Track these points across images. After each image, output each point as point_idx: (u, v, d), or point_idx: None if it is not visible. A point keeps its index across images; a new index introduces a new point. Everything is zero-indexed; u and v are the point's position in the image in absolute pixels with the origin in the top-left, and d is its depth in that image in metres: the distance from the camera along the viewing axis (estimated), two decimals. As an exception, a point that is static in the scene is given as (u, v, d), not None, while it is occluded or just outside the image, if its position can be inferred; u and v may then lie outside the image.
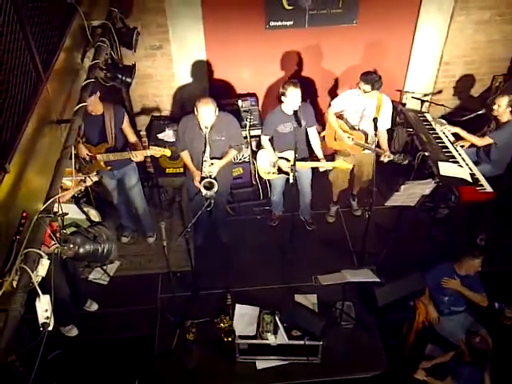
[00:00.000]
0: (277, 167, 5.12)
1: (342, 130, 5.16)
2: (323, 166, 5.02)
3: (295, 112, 4.67)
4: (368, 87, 4.79)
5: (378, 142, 4.90)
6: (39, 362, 2.49)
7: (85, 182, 4.36)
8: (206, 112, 4.42)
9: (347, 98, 5.09)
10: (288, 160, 5.00)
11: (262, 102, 6.15)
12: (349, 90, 5.13)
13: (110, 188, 5.16)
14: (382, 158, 4.94)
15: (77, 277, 4.80)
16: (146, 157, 5.21)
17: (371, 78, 4.77)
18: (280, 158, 5.06)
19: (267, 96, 6.22)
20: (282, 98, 4.76)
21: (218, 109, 4.52)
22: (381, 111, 4.93)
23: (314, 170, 5.26)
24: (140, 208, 5.36)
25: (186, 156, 4.88)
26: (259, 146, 5.68)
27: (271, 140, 5.10)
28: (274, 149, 5.10)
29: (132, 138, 4.89)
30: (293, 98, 4.68)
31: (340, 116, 5.22)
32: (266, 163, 5.19)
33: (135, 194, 5.22)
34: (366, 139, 5.10)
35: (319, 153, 5.07)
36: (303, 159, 5.06)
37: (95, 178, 4.42)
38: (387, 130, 5.18)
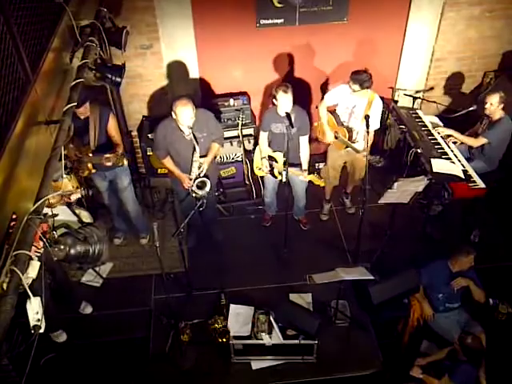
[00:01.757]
0: (267, 165, 5.12)
1: (329, 125, 5.19)
2: (299, 174, 4.96)
3: (287, 114, 4.66)
4: (356, 86, 4.80)
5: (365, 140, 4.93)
6: (32, 366, 2.46)
7: (69, 197, 4.33)
8: (187, 113, 4.36)
9: (340, 93, 5.09)
10: (276, 161, 5.01)
11: (254, 100, 6.13)
12: (342, 85, 5.10)
13: (101, 189, 5.14)
14: (358, 155, 5.08)
15: (67, 281, 4.76)
16: (137, 157, 5.20)
17: (360, 78, 4.77)
18: (270, 156, 5.06)
19: (259, 95, 6.20)
20: (274, 100, 4.76)
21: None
22: (370, 110, 4.91)
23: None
24: (132, 209, 5.32)
25: (169, 162, 4.82)
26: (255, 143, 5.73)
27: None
28: (269, 146, 5.10)
29: (116, 140, 4.79)
30: (283, 102, 4.67)
31: (333, 111, 5.23)
32: (258, 159, 5.22)
33: (127, 195, 5.19)
34: (351, 137, 5.12)
35: (304, 163, 5.02)
36: (294, 165, 5.01)
37: (78, 195, 4.39)
38: (377, 129, 5.20)
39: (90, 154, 4.67)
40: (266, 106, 6.16)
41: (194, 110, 4.41)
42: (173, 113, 4.42)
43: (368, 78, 4.78)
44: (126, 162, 4.73)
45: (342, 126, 5.16)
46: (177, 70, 5.82)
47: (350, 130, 5.13)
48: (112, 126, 4.77)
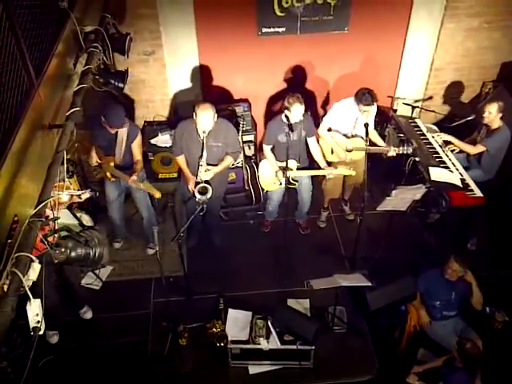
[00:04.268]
0: (282, 175, 5.13)
1: (337, 144, 5.22)
2: (326, 173, 5.00)
3: (289, 124, 4.76)
4: (368, 107, 4.86)
5: (373, 143, 5.02)
6: (31, 369, 2.48)
7: (79, 197, 4.40)
8: (205, 117, 4.42)
9: (338, 111, 5.13)
10: (290, 169, 5.00)
11: (255, 107, 6.18)
12: (336, 104, 5.17)
13: (110, 198, 5.11)
14: (389, 154, 5.04)
15: (70, 283, 4.80)
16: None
17: (367, 99, 4.81)
18: (280, 167, 5.02)
19: (260, 101, 6.25)
20: (286, 111, 4.78)
21: (216, 115, 4.52)
22: (369, 118, 4.99)
23: (314, 179, 5.31)
24: (145, 215, 5.31)
25: (181, 160, 4.88)
26: (258, 154, 5.81)
27: (272, 150, 5.10)
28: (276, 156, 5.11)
29: (137, 157, 4.87)
30: (298, 112, 4.73)
31: (329, 129, 5.26)
32: (269, 173, 5.19)
33: (140, 200, 5.19)
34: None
35: (321, 161, 5.07)
36: (304, 168, 5.08)
37: (87, 195, 4.47)
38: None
39: (112, 164, 4.76)
40: (267, 113, 6.22)
41: (215, 116, 4.48)
42: (194, 114, 4.49)
43: (372, 94, 4.82)
44: (158, 195, 4.73)
45: (348, 138, 5.21)
46: (179, 76, 5.87)
47: (361, 138, 5.18)
48: (136, 145, 4.82)
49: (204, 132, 4.51)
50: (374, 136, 5.21)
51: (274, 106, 6.23)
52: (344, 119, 5.15)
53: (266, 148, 5.08)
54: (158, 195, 4.70)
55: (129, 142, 4.76)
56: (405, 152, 4.95)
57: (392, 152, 5.02)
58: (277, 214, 5.71)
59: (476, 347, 3.96)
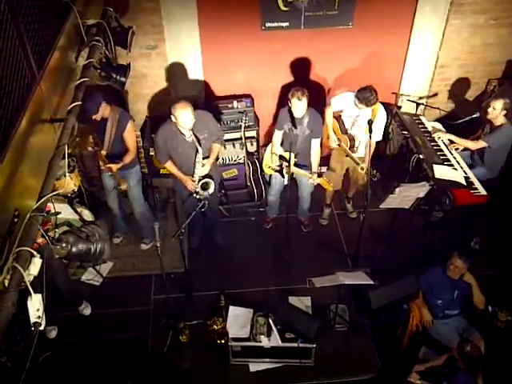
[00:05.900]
0: (275, 163, 5.12)
1: (334, 131, 5.19)
2: (309, 177, 4.94)
3: (292, 117, 4.73)
4: (362, 105, 4.81)
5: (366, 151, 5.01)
6: (31, 364, 2.46)
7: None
8: (186, 116, 4.36)
9: (345, 100, 5.09)
10: (286, 160, 4.98)
11: (258, 103, 6.14)
12: (348, 92, 5.11)
13: (108, 188, 5.12)
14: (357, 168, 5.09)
15: (66, 278, 4.78)
16: (140, 157, 5.22)
17: (365, 97, 4.74)
18: (281, 156, 5.06)
19: (263, 97, 6.21)
20: (289, 103, 4.77)
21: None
22: (375, 120, 4.89)
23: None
24: (137, 211, 5.31)
25: (170, 166, 4.82)
26: (260, 150, 5.83)
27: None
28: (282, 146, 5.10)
29: (129, 146, 4.83)
30: (296, 108, 4.70)
31: (338, 117, 5.23)
32: (269, 156, 5.22)
33: (133, 196, 5.18)
34: (352, 145, 5.14)
35: (314, 165, 5.03)
36: (303, 166, 5.04)
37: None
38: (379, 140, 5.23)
39: (104, 152, 4.74)
40: (270, 109, 6.18)
41: (193, 112, 4.42)
42: (172, 116, 4.43)
43: (373, 97, 4.76)
44: (124, 187, 4.88)
45: (345, 133, 5.16)
46: (181, 71, 5.83)
47: (352, 139, 5.13)
48: (129, 133, 4.78)
49: (191, 130, 4.47)
50: (371, 146, 5.03)
51: (277, 102, 6.18)
52: (346, 111, 5.12)
53: (276, 133, 5.06)
54: (123, 187, 4.88)
55: (119, 131, 4.73)
56: (370, 177, 4.87)
57: (360, 169, 5.06)
58: (278, 210, 5.69)
59: (476, 349, 3.95)
